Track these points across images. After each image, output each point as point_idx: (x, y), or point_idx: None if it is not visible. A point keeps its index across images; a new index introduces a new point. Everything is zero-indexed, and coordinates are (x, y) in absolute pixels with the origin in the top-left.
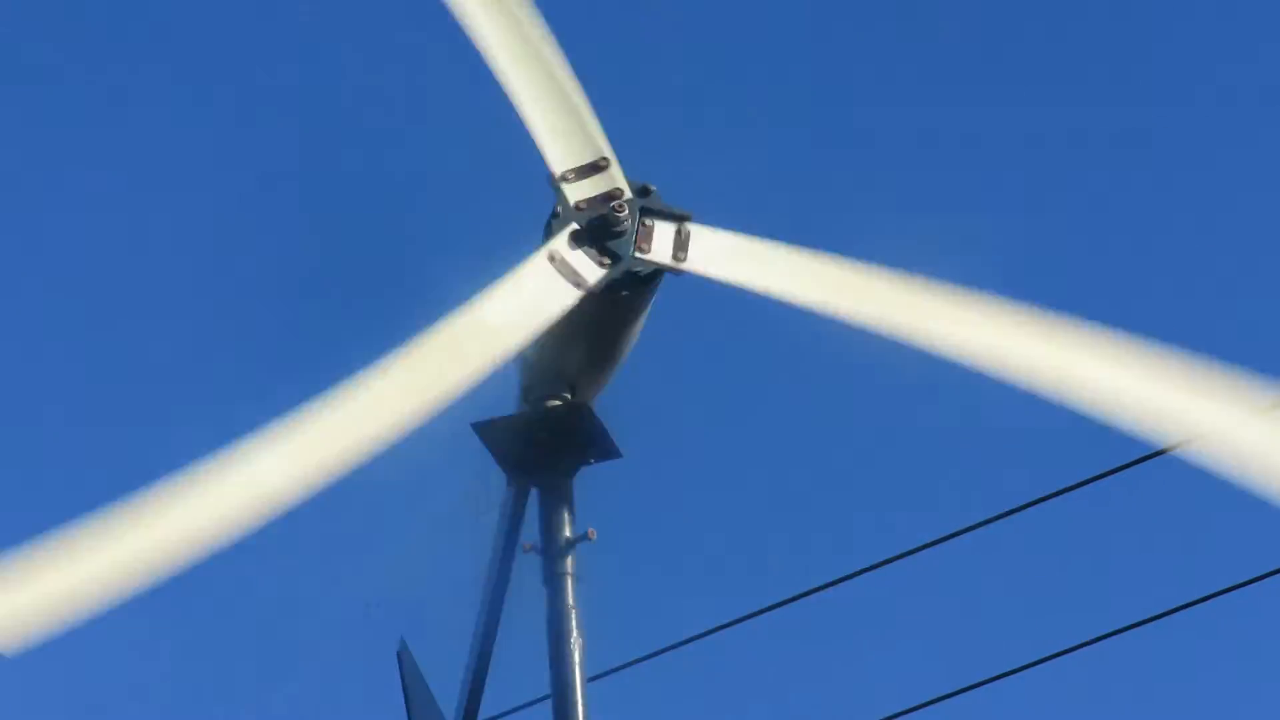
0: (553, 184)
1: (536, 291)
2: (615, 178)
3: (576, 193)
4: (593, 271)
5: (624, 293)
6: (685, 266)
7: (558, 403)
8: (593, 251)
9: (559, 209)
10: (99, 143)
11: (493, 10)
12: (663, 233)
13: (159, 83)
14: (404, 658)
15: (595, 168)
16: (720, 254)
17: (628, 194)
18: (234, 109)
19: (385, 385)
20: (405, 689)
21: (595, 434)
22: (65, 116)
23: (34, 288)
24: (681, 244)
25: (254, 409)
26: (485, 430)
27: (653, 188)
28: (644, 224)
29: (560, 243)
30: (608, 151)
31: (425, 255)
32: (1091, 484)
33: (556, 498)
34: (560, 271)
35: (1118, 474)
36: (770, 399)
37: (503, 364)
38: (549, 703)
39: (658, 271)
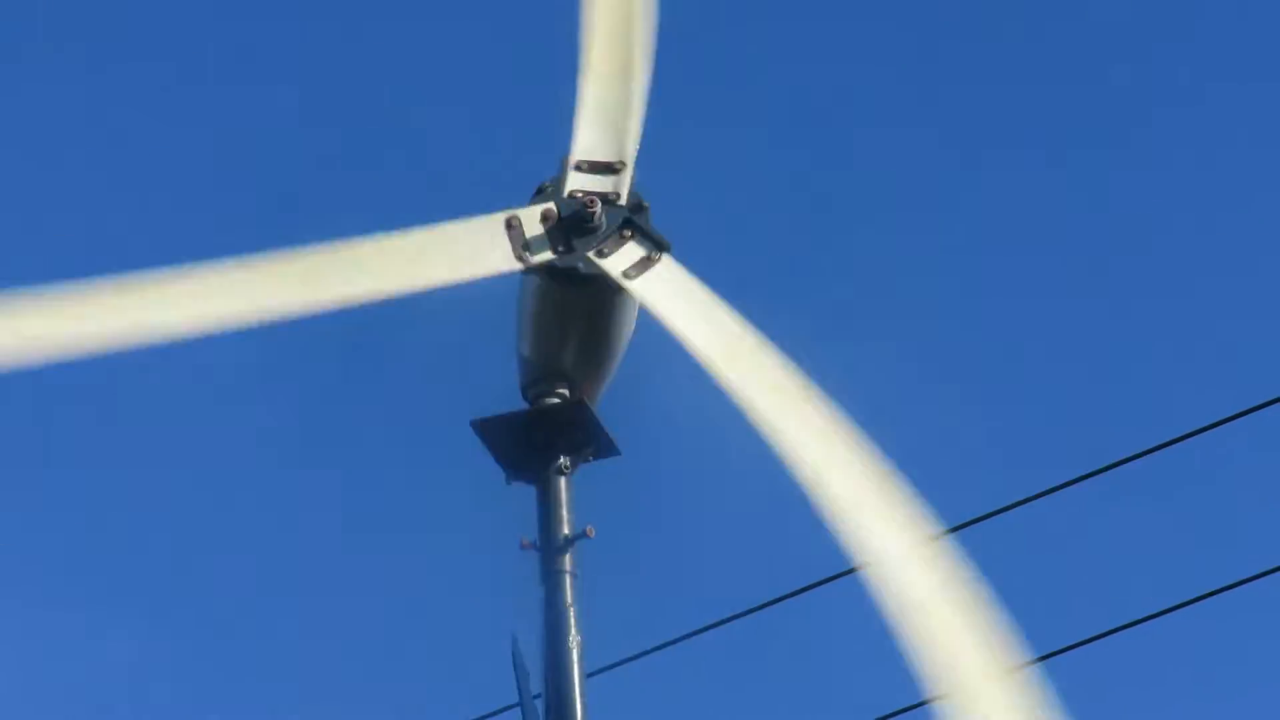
0: (562, 163)
1: (477, 245)
2: (619, 184)
3: (577, 182)
4: (542, 253)
5: (572, 286)
6: (629, 285)
7: (556, 400)
8: (557, 236)
9: (549, 185)
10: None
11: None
12: (631, 251)
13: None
14: (516, 654)
15: (610, 169)
16: (670, 294)
17: (621, 201)
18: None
19: (294, 264)
20: (518, 685)
21: (594, 432)
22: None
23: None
24: (642, 266)
25: None
26: (484, 428)
27: (647, 206)
28: (621, 234)
29: (528, 214)
30: (629, 158)
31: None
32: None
33: (555, 496)
34: (511, 239)
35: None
36: None
37: (407, 294)
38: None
39: (599, 280)
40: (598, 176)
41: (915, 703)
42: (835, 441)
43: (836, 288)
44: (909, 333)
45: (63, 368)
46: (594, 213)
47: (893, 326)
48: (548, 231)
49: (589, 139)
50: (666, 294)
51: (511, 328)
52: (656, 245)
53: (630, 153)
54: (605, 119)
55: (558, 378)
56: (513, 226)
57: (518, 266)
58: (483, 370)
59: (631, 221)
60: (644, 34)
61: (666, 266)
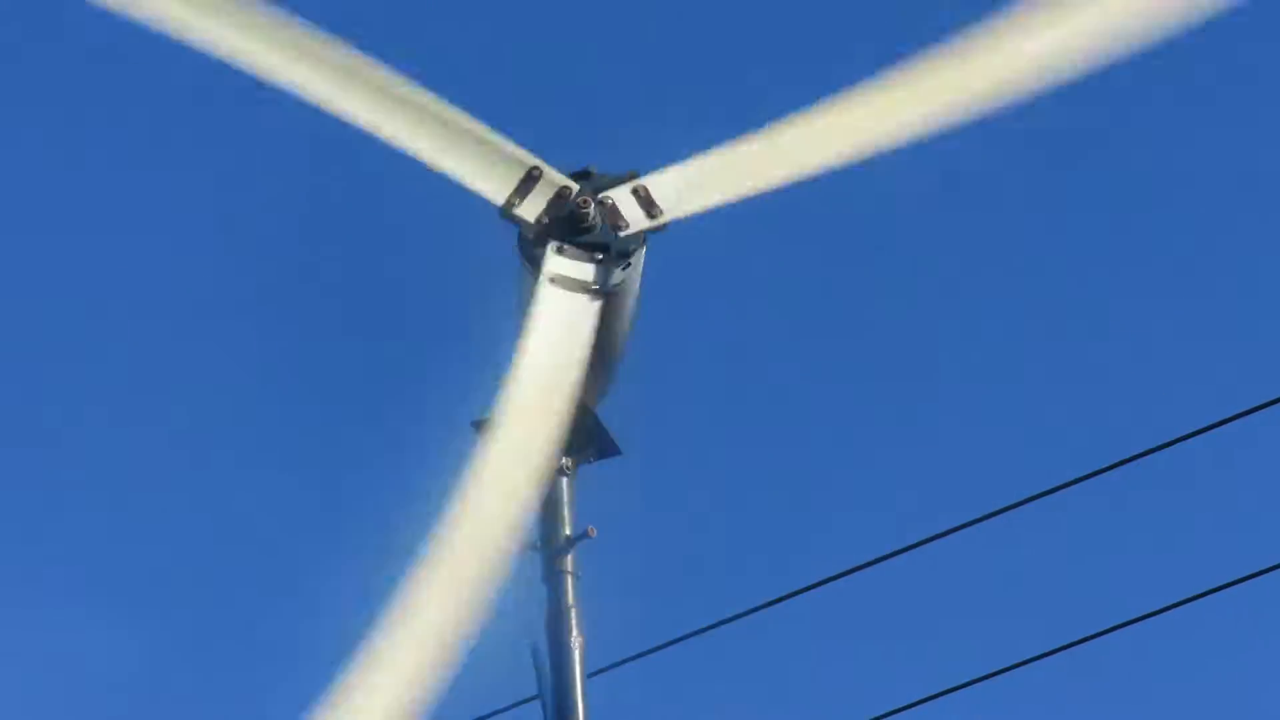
0: (504, 215)
1: (564, 319)
2: (554, 178)
3: (530, 210)
4: (591, 271)
5: (626, 266)
6: (664, 219)
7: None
8: (581, 253)
9: (522, 234)
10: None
11: (349, 84)
12: (625, 200)
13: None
14: (537, 656)
15: (531, 179)
16: (687, 189)
17: (574, 186)
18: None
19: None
20: (540, 689)
21: (595, 432)
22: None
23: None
24: (647, 201)
25: None
26: (485, 429)
27: (591, 169)
28: (603, 203)
29: (553, 263)
30: (531, 158)
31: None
32: (1089, 480)
33: (556, 496)
34: (569, 289)
35: (1117, 469)
36: (769, 398)
37: (573, 404)
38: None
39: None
40: (533, 193)
41: (913, 702)
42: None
43: (833, 288)
44: (907, 332)
45: (63, 367)
46: (590, 222)
47: (890, 326)
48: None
49: (491, 182)
50: (693, 194)
51: (509, 328)
52: (630, 179)
53: (525, 154)
54: (477, 158)
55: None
56: (555, 280)
57: (600, 299)
58: (483, 371)
59: (599, 188)
60: (396, 82)
61: (658, 182)
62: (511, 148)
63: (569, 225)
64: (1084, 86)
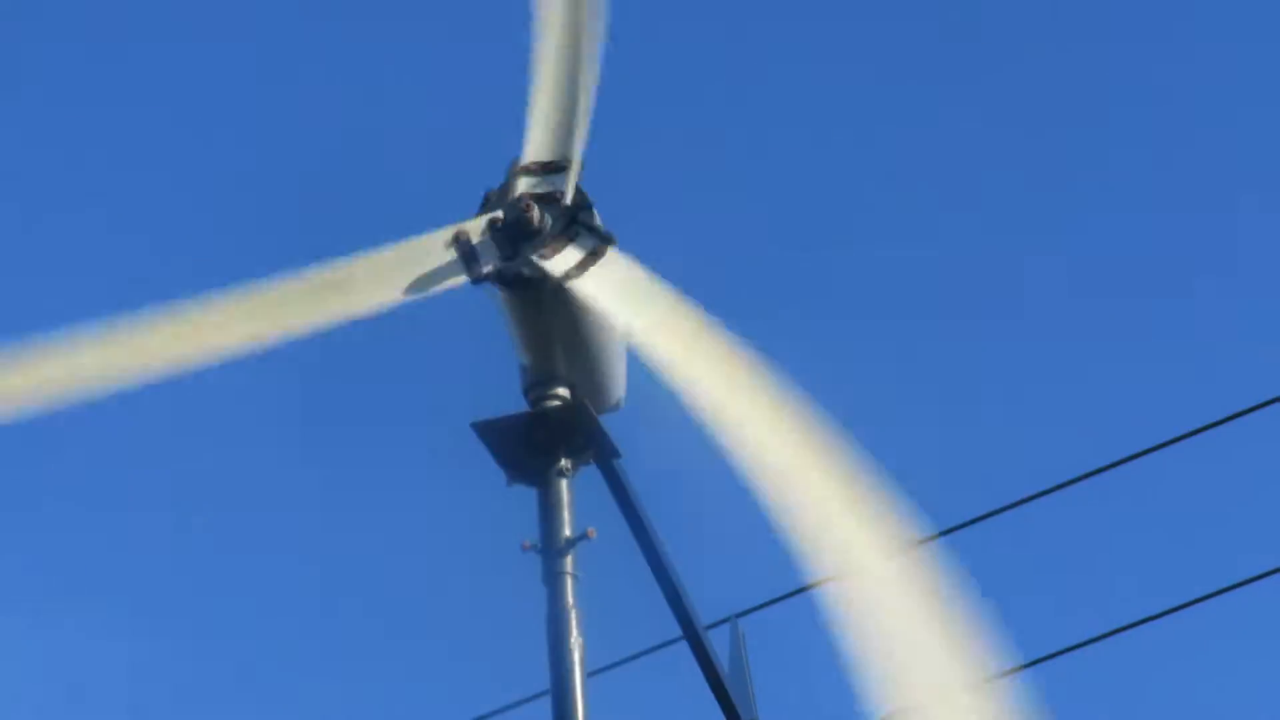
0: (511, 169)
1: (425, 263)
2: (564, 183)
3: (524, 186)
4: (491, 263)
5: (522, 291)
6: (571, 285)
7: (557, 403)
8: (503, 242)
9: (493, 194)
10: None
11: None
12: (573, 252)
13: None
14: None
15: (556, 168)
16: (612, 289)
17: (566, 201)
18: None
19: (248, 301)
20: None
21: (595, 434)
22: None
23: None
24: (586, 265)
25: None
26: (485, 430)
27: (591, 202)
28: (566, 234)
29: (474, 225)
30: (576, 156)
31: None
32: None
33: (556, 497)
34: (460, 252)
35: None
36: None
37: (358, 320)
38: (548, 701)
39: (544, 282)
40: (546, 178)
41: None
42: (795, 438)
43: (823, 287)
44: (902, 333)
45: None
46: (530, 216)
47: (885, 327)
48: (493, 238)
49: (537, 141)
50: (609, 289)
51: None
52: (601, 240)
53: (575, 151)
54: (552, 120)
55: (555, 381)
56: (460, 239)
57: (465, 279)
58: (484, 371)
59: (575, 220)
60: (593, 34)
61: (611, 261)
62: (579, 137)
63: (521, 221)
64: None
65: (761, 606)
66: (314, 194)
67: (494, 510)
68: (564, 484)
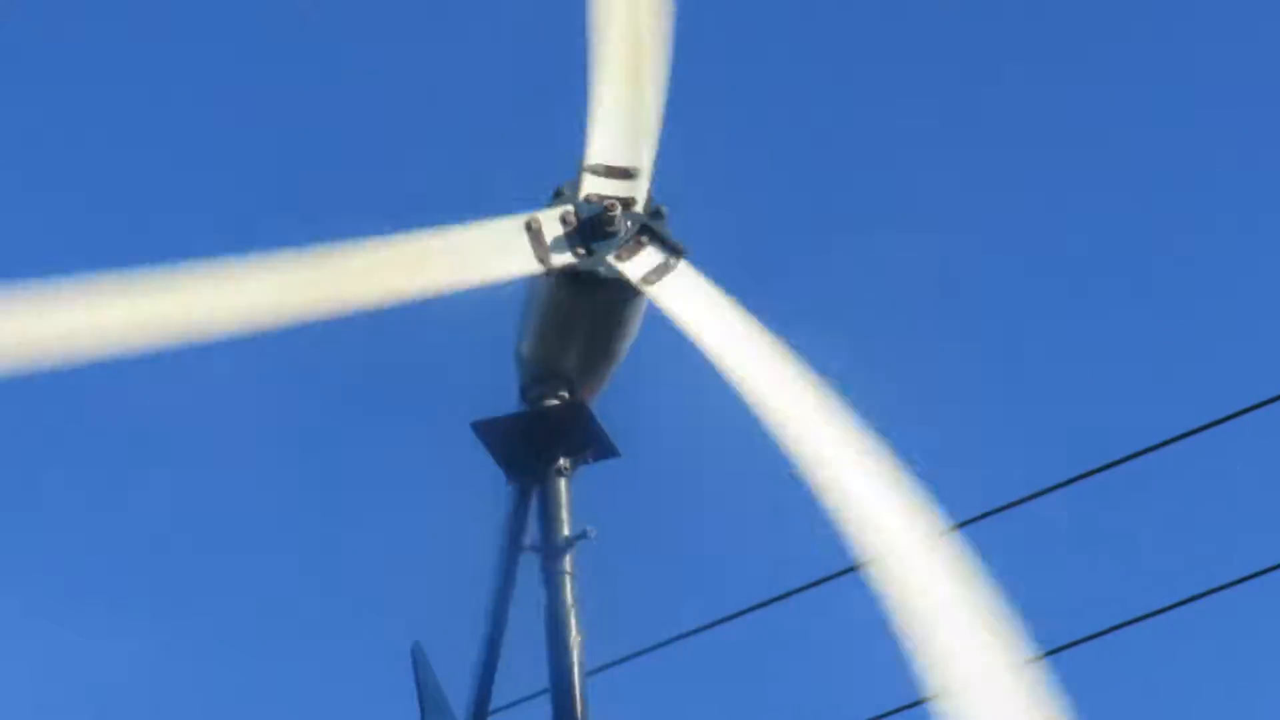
0: (579, 167)
1: (498, 248)
2: (637, 189)
3: (594, 186)
4: (563, 256)
5: (591, 289)
6: (650, 290)
7: (556, 402)
8: (576, 239)
9: (566, 189)
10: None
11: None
12: (650, 256)
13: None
14: (418, 658)
15: (625, 173)
16: (689, 298)
17: (639, 208)
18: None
19: (312, 266)
20: (419, 690)
21: (593, 433)
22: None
23: None
24: (660, 272)
25: None
26: (484, 430)
27: (665, 212)
28: (639, 240)
29: (548, 216)
30: (646, 164)
31: None
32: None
33: (555, 497)
34: (532, 241)
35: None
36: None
37: (430, 298)
38: (549, 700)
39: (619, 284)
40: (613, 181)
41: (913, 702)
42: (847, 443)
43: (845, 287)
44: (916, 331)
45: (61, 368)
46: (614, 217)
47: (900, 325)
48: (567, 234)
49: (603, 143)
50: (684, 299)
51: (509, 331)
52: (673, 251)
53: (647, 159)
54: (620, 123)
55: (558, 380)
56: (532, 229)
57: (539, 269)
58: (483, 372)
59: (648, 227)
60: (658, 37)
61: (683, 272)
62: (649, 143)
63: (597, 219)
64: None
65: (807, 587)
66: (367, 181)
67: (494, 510)
68: (563, 483)
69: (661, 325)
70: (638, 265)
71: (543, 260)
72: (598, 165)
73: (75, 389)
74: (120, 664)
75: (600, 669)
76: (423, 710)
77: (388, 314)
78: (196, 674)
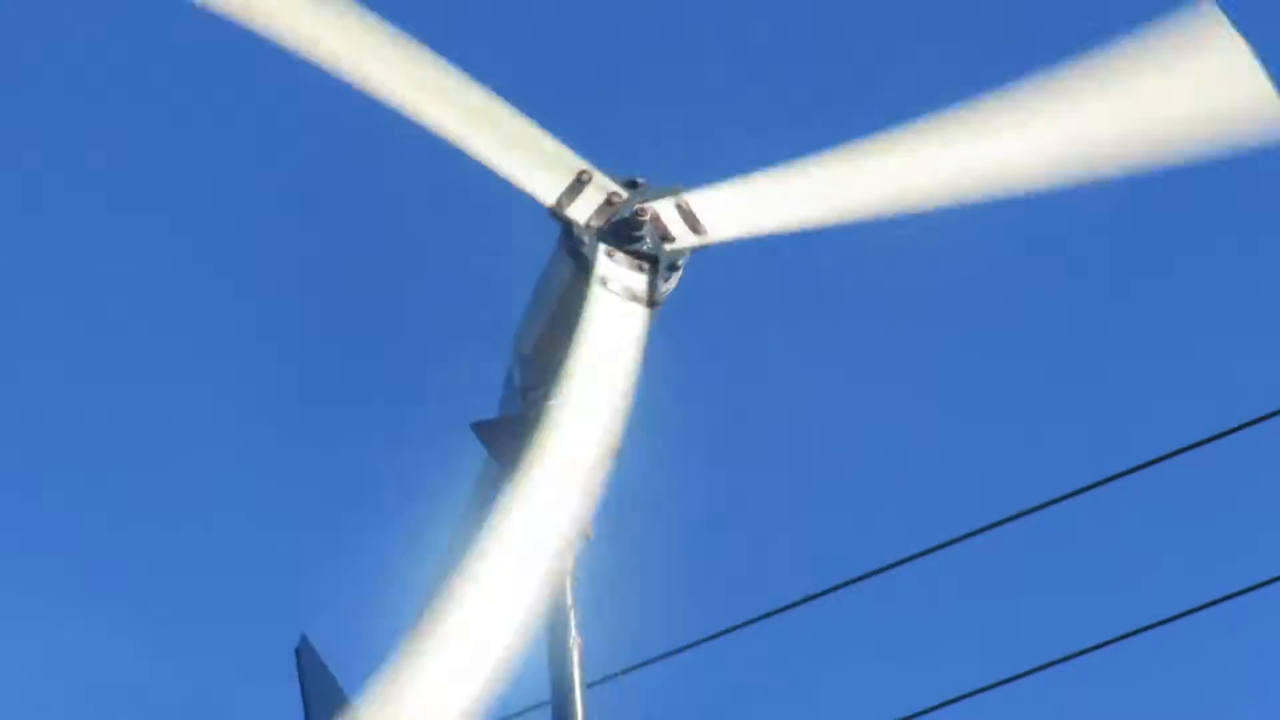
0: (554, 215)
1: (616, 326)
2: (604, 184)
3: (580, 213)
4: (643, 282)
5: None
6: (708, 239)
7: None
8: (630, 261)
9: (572, 235)
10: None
11: (411, 77)
12: (669, 214)
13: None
14: (304, 654)
15: (580, 183)
16: (730, 212)
17: (624, 194)
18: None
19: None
20: (304, 686)
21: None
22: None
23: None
24: (691, 218)
25: None
26: (484, 430)
27: (640, 179)
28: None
29: (605, 266)
30: (580, 162)
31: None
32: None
33: None
34: (621, 295)
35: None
36: (768, 397)
37: (625, 408)
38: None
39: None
40: (582, 196)
41: (919, 710)
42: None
43: (848, 288)
44: (913, 339)
45: (61, 369)
46: (641, 232)
47: (897, 333)
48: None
49: (541, 181)
50: (736, 216)
51: (507, 332)
52: (673, 193)
53: (575, 158)
54: (528, 157)
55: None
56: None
57: (649, 310)
58: (482, 372)
59: (645, 199)
60: (456, 80)
61: (702, 201)
62: (561, 149)
63: (619, 232)
64: None
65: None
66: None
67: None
68: None
69: (660, 327)
70: (677, 230)
71: (642, 300)
72: (560, 198)
73: (77, 385)
74: (120, 664)
75: (600, 681)
76: (307, 710)
77: (388, 313)
78: (197, 674)
